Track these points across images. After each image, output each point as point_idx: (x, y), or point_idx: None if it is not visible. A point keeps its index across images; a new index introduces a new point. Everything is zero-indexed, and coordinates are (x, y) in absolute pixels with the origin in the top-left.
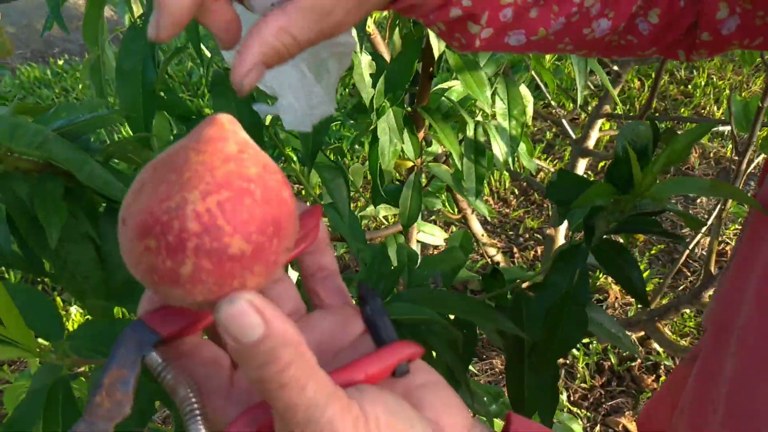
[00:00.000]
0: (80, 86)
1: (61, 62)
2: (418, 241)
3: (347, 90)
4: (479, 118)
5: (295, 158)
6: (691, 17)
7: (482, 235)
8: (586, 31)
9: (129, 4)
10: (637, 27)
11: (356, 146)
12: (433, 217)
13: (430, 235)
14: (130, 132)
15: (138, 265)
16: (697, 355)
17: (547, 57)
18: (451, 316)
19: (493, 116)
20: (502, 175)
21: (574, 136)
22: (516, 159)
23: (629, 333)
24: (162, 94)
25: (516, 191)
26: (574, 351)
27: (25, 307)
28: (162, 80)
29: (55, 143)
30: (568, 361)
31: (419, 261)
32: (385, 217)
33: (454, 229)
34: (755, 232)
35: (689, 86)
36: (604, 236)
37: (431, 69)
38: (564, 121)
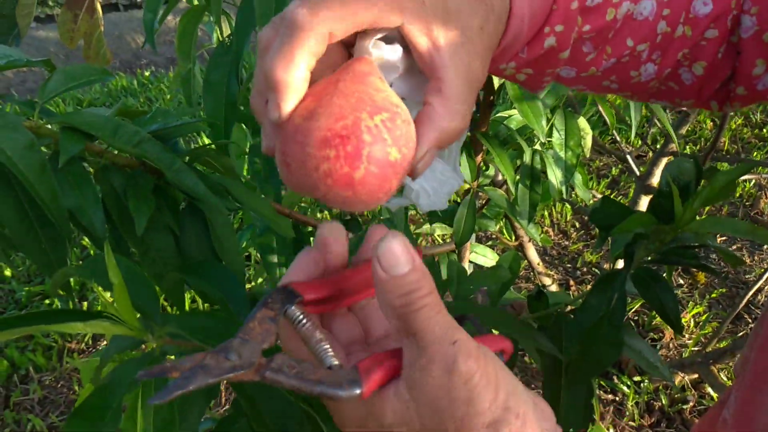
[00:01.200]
0: (166, 97)
1: (147, 73)
2: (470, 262)
3: None
4: (537, 146)
5: None
6: (727, 70)
7: (538, 264)
8: (633, 74)
9: (218, 23)
10: (680, 76)
11: None
12: (490, 243)
13: (482, 256)
14: (207, 140)
15: (315, 172)
16: (726, 400)
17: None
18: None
19: (550, 146)
20: (564, 207)
21: (638, 173)
22: (572, 189)
23: (682, 374)
24: (242, 107)
25: (577, 224)
26: (625, 389)
27: (127, 282)
28: (243, 95)
29: (149, 144)
30: (618, 398)
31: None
32: (442, 237)
33: None
34: None
35: (764, 130)
36: (646, 265)
37: (491, 98)
38: (629, 158)
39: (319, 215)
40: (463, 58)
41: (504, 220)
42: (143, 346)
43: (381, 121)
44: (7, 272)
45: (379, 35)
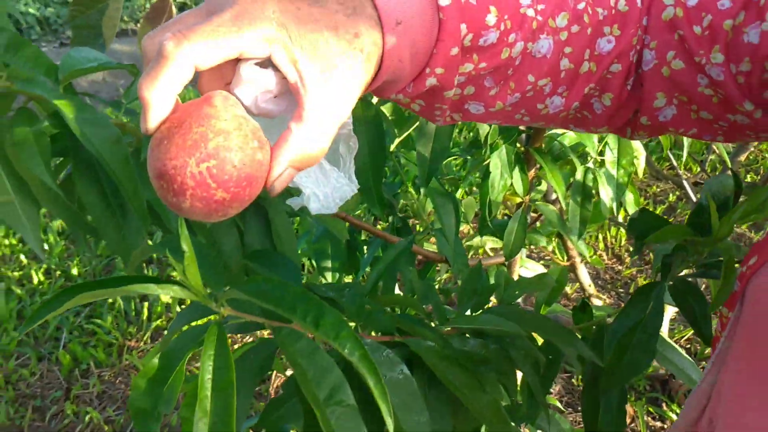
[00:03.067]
0: None
1: None
2: (519, 276)
3: (465, 130)
4: (590, 164)
5: (412, 190)
6: (636, 101)
7: (589, 286)
8: (540, 106)
9: None
10: (592, 105)
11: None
12: (542, 262)
13: (532, 271)
14: None
15: (156, 189)
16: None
17: None
18: (539, 341)
19: (602, 164)
20: (618, 231)
21: (695, 199)
22: (625, 211)
23: None
24: None
25: (631, 249)
26: (673, 416)
27: (196, 258)
28: None
29: None
30: (665, 426)
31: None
32: (492, 250)
33: None
34: None
35: None
36: (683, 277)
37: None
38: (686, 184)
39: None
40: (326, 91)
41: (557, 240)
42: (208, 318)
43: (206, 168)
44: (74, 271)
45: (254, 61)
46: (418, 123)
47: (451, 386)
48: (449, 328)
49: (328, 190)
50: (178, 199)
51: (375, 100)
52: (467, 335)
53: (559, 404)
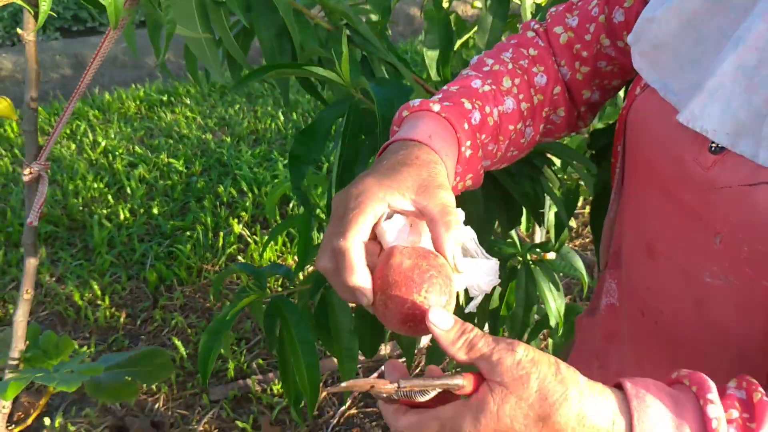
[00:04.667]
0: None
1: None
2: None
3: None
4: None
5: None
6: (574, 105)
7: None
8: (522, 141)
9: None
10: (553, 120)
11: None
12: None
13: None
14: None
15: (401, 329)
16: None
17: None
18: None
19: None
20: None
21: None
22: None
23: None
24: None
25: None
26: None
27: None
28: None
29: None
30: None
31: None
32: None
33: None
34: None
35: None
36: None
37: None
38: None
39: None
40: (438, 199)
41: None
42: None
43: (425, 291)
44: (155, 210)
45: (386, 216)
46: (476, 28)
47: (503, 180)
48: None
49: (478, 279)
50: (409, 327)
51: (445, 4)
52: None
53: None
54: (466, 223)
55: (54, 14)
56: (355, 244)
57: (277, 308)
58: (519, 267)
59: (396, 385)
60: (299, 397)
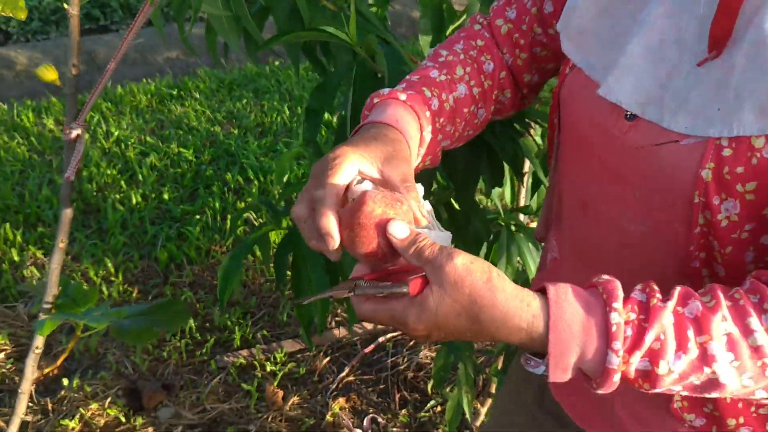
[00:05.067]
0: (292, 80)
1: (276, 63)
2: None
3: None
4: None
5: None
6: (518, 87)
7: None
8: (476, 121)
9: None
10: (501, 101)
11: None
12: None
13: None
14: None
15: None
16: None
17: None
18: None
19: None
20: None
21: None
22: None
23: None
24: None
25: None
26: None
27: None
28: None
29: None
30: None
31: None
32: None
33: None
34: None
35: None
36: None
37: None
38: None
39: None
40: (400, 170)
41: None
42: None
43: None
44: (165, 195)
45: (356, 181)
46: (465, 16)
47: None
48: None
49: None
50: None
51: None
52: None
53: None
54: (447, 182)
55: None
56: (330, 194)
57: (291, 238)
58: (502, 231)
59: (352, 293)
60: (311, 321)
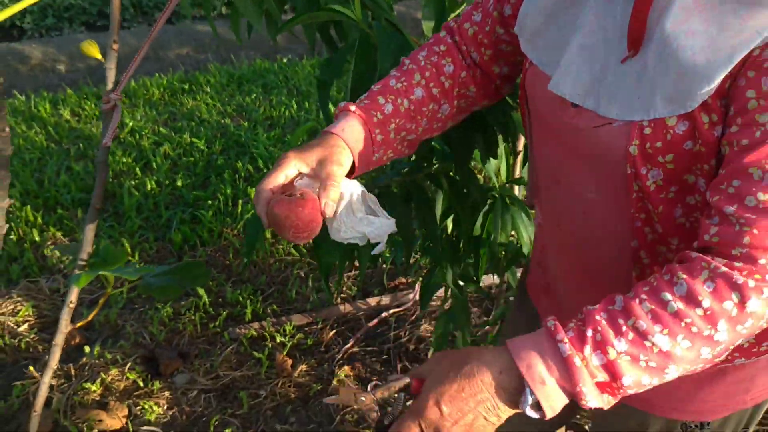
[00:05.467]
0: (299, 76)
1: (285, 60)
2: None
3: None
4: None
5: None
6: (489, 80)
7: None
8: (439, 115)
9: None
10: (468, 97)
11: None
12: None
13: None
14: None
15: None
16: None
17: None
18: None
19: None
20: None
21: None
22: None
23: None
24: None
25: None
26: None
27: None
28: None
29: None
30: None
31: None
32: None
33: None
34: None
35: None
36: None
37: None
38: None
39: None
40: (327, 170)
41: None
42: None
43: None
44: (179, 182)
45: (299, 178)
46: (464, 4)
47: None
48: None
49: (372, 229)
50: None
51: None
52: None
53: None
54: (449, 150)
55: (80, 9)
56: (265, 189)
57: None
58: (496, 202)
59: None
60: (329, 270)
